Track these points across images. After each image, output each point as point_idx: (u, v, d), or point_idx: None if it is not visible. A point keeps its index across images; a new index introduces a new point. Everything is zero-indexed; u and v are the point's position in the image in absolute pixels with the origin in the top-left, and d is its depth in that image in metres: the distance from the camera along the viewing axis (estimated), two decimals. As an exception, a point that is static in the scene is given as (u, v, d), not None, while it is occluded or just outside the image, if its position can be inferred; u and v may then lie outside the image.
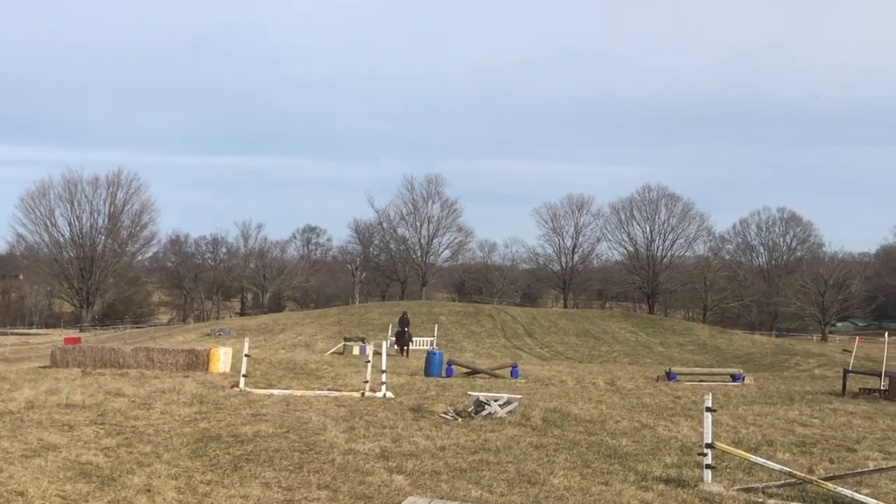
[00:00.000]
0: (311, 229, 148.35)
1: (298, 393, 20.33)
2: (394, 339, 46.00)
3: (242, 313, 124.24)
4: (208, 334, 67.25)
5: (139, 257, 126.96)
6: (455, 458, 13.18)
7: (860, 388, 24.09)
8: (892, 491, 11.57)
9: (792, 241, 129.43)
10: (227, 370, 24.89)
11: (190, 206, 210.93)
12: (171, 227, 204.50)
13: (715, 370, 33.62)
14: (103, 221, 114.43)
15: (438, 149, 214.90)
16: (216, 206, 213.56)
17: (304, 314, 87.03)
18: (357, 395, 20.19)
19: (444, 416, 17.24)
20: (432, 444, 14.30)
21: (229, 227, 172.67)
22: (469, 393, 19.33)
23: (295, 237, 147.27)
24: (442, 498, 10.58)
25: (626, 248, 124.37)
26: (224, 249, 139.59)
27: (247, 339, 23.29)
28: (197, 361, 24.98)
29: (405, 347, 44.27)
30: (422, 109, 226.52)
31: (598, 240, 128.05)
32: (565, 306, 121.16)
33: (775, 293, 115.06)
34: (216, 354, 25.37)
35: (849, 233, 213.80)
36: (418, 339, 56.93)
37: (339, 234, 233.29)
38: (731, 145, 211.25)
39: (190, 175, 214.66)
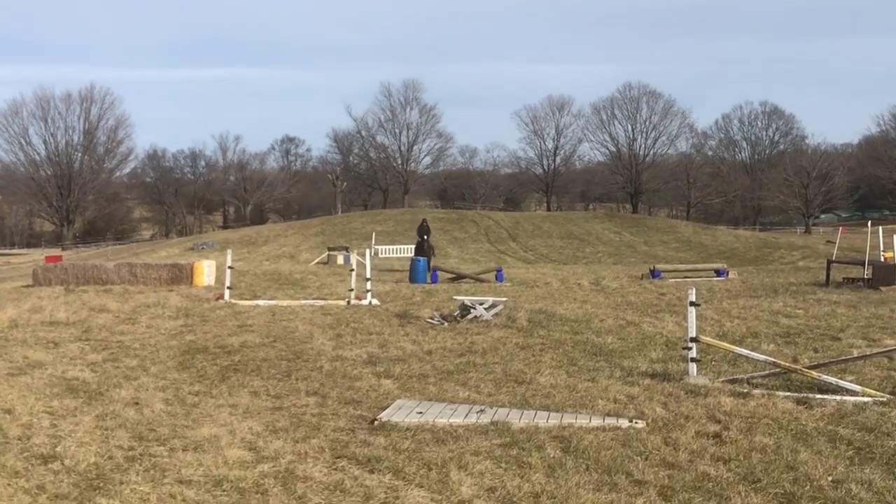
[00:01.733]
0: (290, 140, 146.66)
1: (284, 303, 20.30)
2: (413, 250, 39.50)
3: (225, 226, 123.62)
4: (191, 248, 66.99)
5: (117, 173, 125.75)
6: (442, 361, 13.22)
7: (844, 278, 24.24)
8: (876, 377, 11.68)
9: (774, 134, 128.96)
10: (212, 283, 24.79)
11: (166, 120, 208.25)
12: (147, 142, 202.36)
13: (699, 266, 33.79)
14: (79, 138, 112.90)
15: (415, 53, 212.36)
16: (193, 120, 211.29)
17: (286, 225, 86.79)
18: (342, 303, 20.18)
19: (430, 321, 17.26)
20: (419, 348, 14.34)
21: (207, 141, 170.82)
22: (454, 297, 19.35)
23: (274, 148, 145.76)
24: (430, 400, 10.62)
25: (607, 149, 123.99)
26: (203, 163, 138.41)
27: (230, 251, 23.17)
28: (181, 275, 24.85)
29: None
30: (396, 14, 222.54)
31: (580, 141, 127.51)
32: (548, 209, 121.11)
33: (758, 188, 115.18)
34: (200, 268, 25.22)
35: (831, 124, 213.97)
36: (402, 246, 56.71)
37: (318, 144, 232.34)
38: (712, 40, 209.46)
39: (164, 89, 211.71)
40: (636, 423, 9.46)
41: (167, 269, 25.24)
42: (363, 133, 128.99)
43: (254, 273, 30.18)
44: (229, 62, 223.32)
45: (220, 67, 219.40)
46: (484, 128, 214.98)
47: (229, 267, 21.32)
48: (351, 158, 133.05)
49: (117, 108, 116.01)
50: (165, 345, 14.67)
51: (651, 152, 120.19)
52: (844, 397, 10.41)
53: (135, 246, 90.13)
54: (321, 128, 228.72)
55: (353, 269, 21.84)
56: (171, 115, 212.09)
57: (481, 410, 9.91)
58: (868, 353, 12.78)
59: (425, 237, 35.81)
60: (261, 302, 20.50)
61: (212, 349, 14.29)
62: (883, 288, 21.86)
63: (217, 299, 20.52)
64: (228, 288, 20.80)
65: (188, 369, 12.68)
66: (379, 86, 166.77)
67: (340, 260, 45.09)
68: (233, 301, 20.25)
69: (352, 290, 20.73)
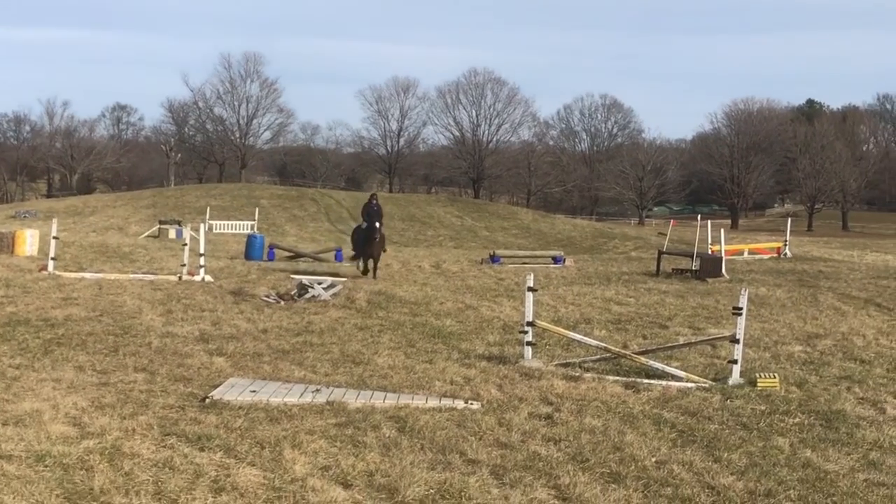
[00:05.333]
0: (122, 108, 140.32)
1: (111, 277, 19.52)
2: (353, 232, 24.57)
3: (49, 195, 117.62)
4: (13, 216, 63.60)
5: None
6: (278, 340, 13.00)
7: (673, 269, 25.15)
8: (700, 364, 12.21)
9: (613, 127, 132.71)
10: (35, 253, 23.67)
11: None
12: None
13: (537, 253, 34.45)
14: None
15: (257, 26, 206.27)
16: (17, 82, 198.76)
17: (115, 196, 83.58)
18: (174, 278, 19.57)
19: (265, 299, 16.95)
20: (254, 326, 14.06)
21: (32, 104, 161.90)
22: (292, 276, 19.08)
23: (104, 116, 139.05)
24: (264, 379, 10.41)
25: (452, 133, 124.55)
26: (28, 128, 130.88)
27: (55, 220, 22.11)
28: (1, 244, 23.64)
29: (371, 258, 22.35)
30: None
31: (425, 124, 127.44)
32: (391, 191, 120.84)
33: (596, 178, 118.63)
34: (22, 237, 24.09)
35: (667, 120, 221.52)
36: (237, 222, 55.46)
37: (151, 114, 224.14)
38: (557, 31, 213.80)
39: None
40: (471, 404, 9.54)
41: (-14, 236, 23.95)
42: (200, 104, 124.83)
43: (80, 244, 28.96)
44: (57, 23, 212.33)
45: (48, 28, 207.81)
46: (326, 105, 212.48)
47: (54, 237, 20.34)
48: (186, 130, 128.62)
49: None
50: (-18, 316, 13.85)
51: (494, 139, 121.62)
52: (670, 382, 10.83)
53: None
54: (155, 97, 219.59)
55: (185, 244, 21.21)
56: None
57: (317, 390, 9.79)
58: (693, 341, 13.35)
59: (376, 222, 22.29)
60: (87, 275, 19.65)
61: (34, 321, 13.59)
62: (709, 279, 22.89)
63: (40, 270, 19.56)
64: (53, 259, 19.85)
65: (9, 342, 12.02)
66: (218, 56, 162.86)
67: (172, 234, 43.87)
68: (57, 273, 19.34)
69: (184, 265, 20.11)
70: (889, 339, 14.67)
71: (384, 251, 23.43)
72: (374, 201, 23.17)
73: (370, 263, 22.20)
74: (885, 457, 8.26)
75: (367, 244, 22.05)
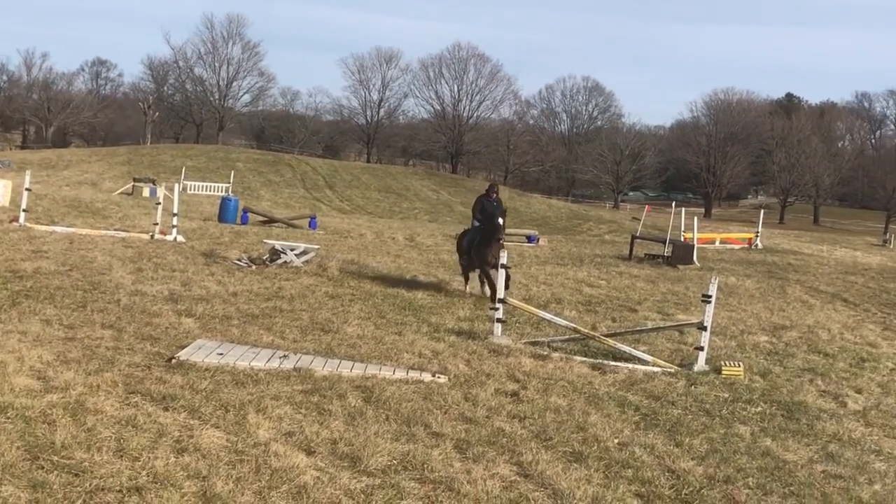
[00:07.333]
0: (101, 62, 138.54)
1: (83, 231, 19.36)
2: (458, 237, 18.11)
3: (24, 147, 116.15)
4: (-14, 166, 62.97)
5: None
6: (247, 304, 12.95)
7: (646, 254, 25.31)
8: (667, 349, 12.29)
9: (594, 110, 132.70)
10: (6, 204, 23.43)
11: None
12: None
13: (512, 231, 34.44)
14: None
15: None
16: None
17: (90, 151, 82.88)
18: (146, 237, 19.45)
19: (237, 262, 16.87)
20: (224, 289, 13.99)
21: (11, 54, 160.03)
22: (265, 241, 18.99)
23: (83, 70, 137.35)
24: (232, 342, 10.37)
25: (432, 107, 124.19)
26: (4, 78, 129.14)
27: (28, 172, 21.85)
28: (-29, 193, 23.37)
29: (488, 265, 15.26)
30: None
31: (406, 96, 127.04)
32: (368, 161, 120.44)
33: (574, 160, 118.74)
34: (-7, 187, 23.81)
35: (647, 106, 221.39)
36: (212, 184, 55.03)
37: (131, 70, 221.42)
38: (544, 11, 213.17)
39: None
40: (439, 377, 9.56)
41: (-43, 185, 23.67)
42: (181, 63, 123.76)
43: (52, 198, 28.68)
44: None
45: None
46: (308, 71, 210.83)
47: (26, 189, 20.13)
48: (165, 88, 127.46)
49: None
50: (-51, 264, 13.70)
51: (475, 115, 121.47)
52: (636, 366, 10.90)
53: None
54: (136, 53, 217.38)
55: (159, 203, 21.05)
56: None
57: (284, 356, 9.76)
58: (661, 326, 13.44)
59: (499, 218, 15.68)
60: (58, 228, 19.48)
61: (2, 273, 13.44)
62: (681, 266, 23.03)
63: (11, 222, 19.37)
64: (24, 211, 19.65)
65: (-26, 292, 11.88)
66: (201, 16, 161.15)
67: (146, 192, 43.61)
68: (28, 225, 19.16)
69: (157, 224, 19.99)
70: (853, 334, 14.85)
71: (503, 249, 14.26)
72: (495, 195, 16.47)
73: (490, 278, 14.93)
74: (844, 449, 8.38)
75: (482, 245, 15.51)
